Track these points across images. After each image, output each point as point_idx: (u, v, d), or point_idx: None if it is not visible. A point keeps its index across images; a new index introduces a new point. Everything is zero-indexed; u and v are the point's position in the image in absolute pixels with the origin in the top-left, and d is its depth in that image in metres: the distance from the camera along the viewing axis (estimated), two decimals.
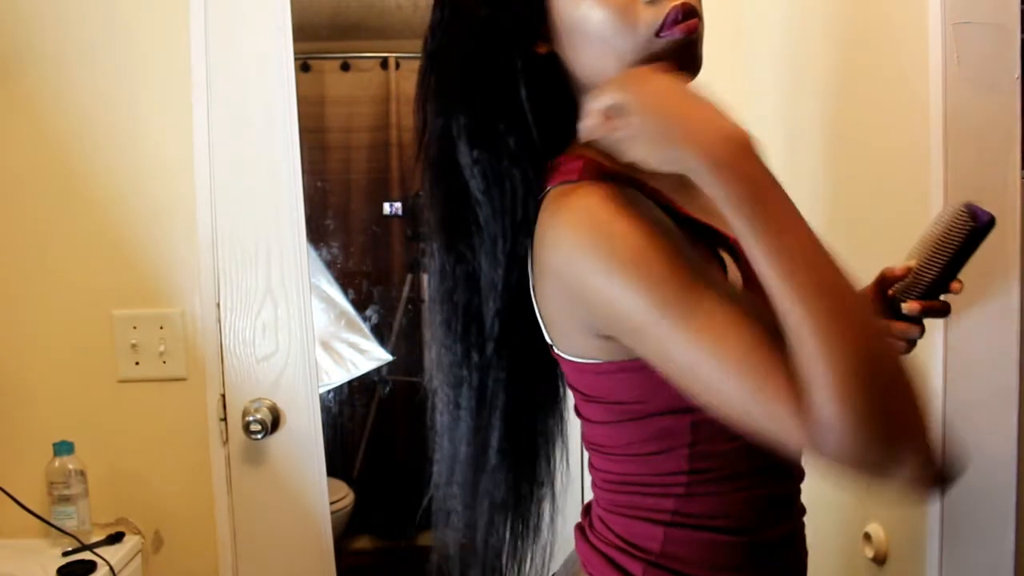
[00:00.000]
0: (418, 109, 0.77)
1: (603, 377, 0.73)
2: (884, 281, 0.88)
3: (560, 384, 0.88)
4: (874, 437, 0.54)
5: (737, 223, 0.58)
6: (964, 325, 0.84)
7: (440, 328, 0.79)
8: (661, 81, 0.63)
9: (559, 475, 0.89)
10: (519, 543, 0.87)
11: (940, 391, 1.43)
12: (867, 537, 1.52)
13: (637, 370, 0.69)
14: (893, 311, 0.85)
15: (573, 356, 0.74)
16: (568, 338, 0.74)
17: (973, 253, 0.81)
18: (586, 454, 0.83)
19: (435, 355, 0.81)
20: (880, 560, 1.51)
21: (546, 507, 0.88)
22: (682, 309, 0.61)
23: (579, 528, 0.84)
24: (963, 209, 0.79)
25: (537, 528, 0.88)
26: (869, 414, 0.53)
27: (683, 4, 0.68)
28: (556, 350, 0.76)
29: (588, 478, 0.83)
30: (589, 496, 0.84)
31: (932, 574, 1.44)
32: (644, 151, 0.61)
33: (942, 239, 0.81)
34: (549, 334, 0.76)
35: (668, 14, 0.68)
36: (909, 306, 0.83)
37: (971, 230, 0.79)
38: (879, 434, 0.54)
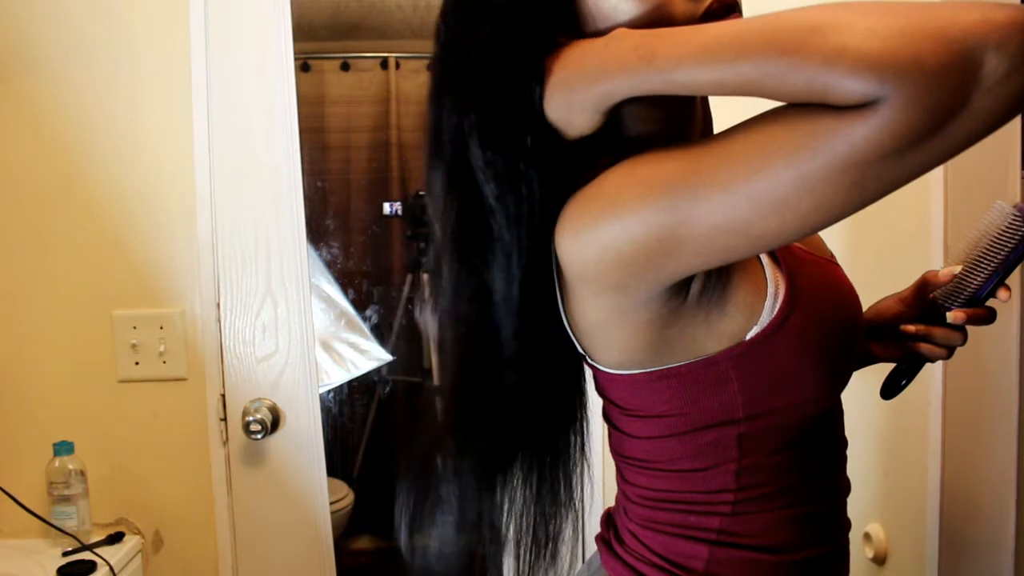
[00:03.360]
0: (432, 106, 0.70)
1: (642, 388, 0.70)
2: (926, 285, 0.84)
3: (581, 397, 0.82)
4: (932, 62, 0.45)
5: (661, 83, 0.56)
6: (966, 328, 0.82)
7: (454, 346, 0.72)
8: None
9: (579, 493, 0.84)
10: (542, 564, 0.83)
11: (940, 391, 1.43)
12: (867, 537, 1.52)
13: (677, 376, 0.67)
14: (934, 317, 0.82)
15: (611, 367, 0.70)
16: (609, 345, 0.69)
17: None
18: (608, 465, 0.80)
19: (450, 378, 0.74)
20: (880, 560, 1.51)
21: (568, 528, 0.83)
22: (704, 170, 0.55)
23: (603, 541, 0.81)
24: (1016, 212, 0.72)
25: (557, 550, 0.83)
26: (898, 49, 0.46)
27: None
28: (593, 363, 0.73)
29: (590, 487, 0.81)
30: (596, 507, 0.82)
31: (932, 574, 1.44)
32: (565, 115, 0.62)
33: (991, 244, 0.74)
34: (584, 346, 0.71)
35: (710, 6, 0.63)
36: (954, 315, 0.79)
37: None
38: (934, 52, 0.45)
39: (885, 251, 1.46)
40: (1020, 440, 1.28)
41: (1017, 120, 1.23)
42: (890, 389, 0.88)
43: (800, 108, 0.51)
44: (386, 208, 3.13)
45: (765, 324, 0.65)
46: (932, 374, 1.44)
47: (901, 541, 1.50)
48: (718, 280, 0.65)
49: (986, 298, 0.78)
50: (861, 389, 0.89)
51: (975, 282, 0.77)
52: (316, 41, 3.06)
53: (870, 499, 1.52)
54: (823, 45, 0.48)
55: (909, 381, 0.87)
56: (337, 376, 2.66)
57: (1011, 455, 1.29)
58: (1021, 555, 1.29)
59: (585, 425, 0.82)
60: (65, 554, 1.36)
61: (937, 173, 1.43)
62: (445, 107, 0.68)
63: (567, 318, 0.70)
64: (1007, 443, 1.29)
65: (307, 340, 1.49)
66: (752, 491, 0.70)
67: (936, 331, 0.82)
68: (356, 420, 3.20)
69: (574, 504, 0.82)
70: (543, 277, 0.68)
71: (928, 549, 1.45)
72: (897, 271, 0.88)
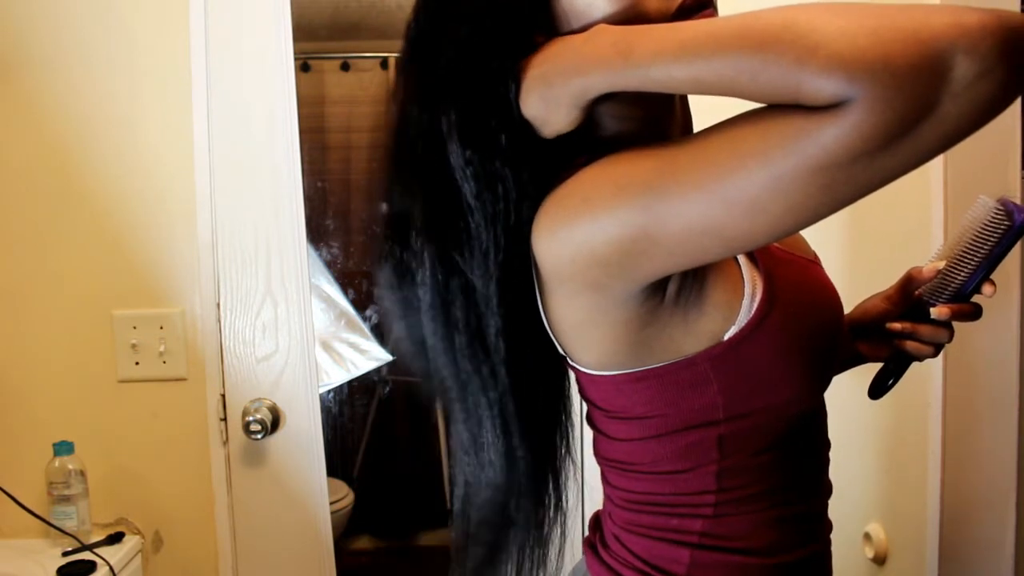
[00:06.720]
0: (397, 103, 0.70)
1: (623, 389, 0.70)
2: (910, 282, 0.84)
3: (565, 396, 0.81)
4: (902, 63, 0.45)
5: (638, 79, 0.56)
6: (964, 327, 0.82)
7: (442, 345, 0.71)
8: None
9: (565, 495, 0.83)
10: (531, 567, 0.82)
11: (940, 392, 1.43)
12: (867, 537, 1.53)
13: (656, 378, 0.67)
14: (920, 314, 0.81)
15: (591, 369, 0.70)
16: (588, 346, 0.69)
17: (1007, 253, 0.74)
18: (594, 468, 0.80)
19: (441, 375, 0.73)
20: (880, 560, 1.52)
21: (556, 531, 0.83)
22: (678, 170, 0.55)
23: (589, 544, 0.81)
24: (998, 206, 0.72)
25: (545, 553, 0.82)
26: (868, 49, 0.46)
27: None
28: (574, 364, 0.73)
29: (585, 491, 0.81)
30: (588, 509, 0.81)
31: (932, 574, 1.44)
32: (542, 112, 0.62)
33: (975, 239, 0.74)
34: (565, 347, 0.71)
35: (683, 3, 0.63)
36: (939, 310, 0.77)
37: (1007, 229, 0.72)
38: (903, 53, 0.45)
39: (885, 251, 1.46)
40: (1020, 440, 1.28)
41: (1017, 120, 1.23)
42: (878, 389, 0.87)
43: (775, 109, 0.51)
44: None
45: (743, 324, 0.65)
46: (932, 374, 1.44)
47: (901, 541, 1.50)
48: (695, 280, 0.65)
49: (971, 294, 0.78)
50: (859, 390, 0.89)
51: (959, 277, 0.77)
52: (316, 41, 3.06)
53: (870, 499, 1.52)
54: (795, 44, 0.48)
55: (896, 380, 0.86)
56: (337, 376, 2.66)
57: (1011, 455, 1.29)
58: (1021, 555, 1.29)
59: (570, 427, 0.82)
60: (65, 554, 1.36)
61: (937, 173, 1.43)
62: (419, 105, 0.67)
63: (547, 319, 0.70)
64: (1007, 443, 1.29)
65: (307, 340, 1.49)
66: (734, 493, 0.70)
67: (922, 328, 0.81)
68: (356, 420, 3.20)
69: (562, 506, 0.82)
70: (522, 278, 0.68)
71: (928, 549, 1.45)
72: (897, 271, 0.88)
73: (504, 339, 0.68)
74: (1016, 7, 1.26)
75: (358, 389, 3.18)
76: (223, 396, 1.48)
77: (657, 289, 0.64)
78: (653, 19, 0.63)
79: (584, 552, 0.82)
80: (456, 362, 0.71)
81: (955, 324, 0.80)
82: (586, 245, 0.60)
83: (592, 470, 1.40)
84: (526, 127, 0.65)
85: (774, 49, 0.48)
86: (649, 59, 0.55)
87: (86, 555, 1.35)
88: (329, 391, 2.88)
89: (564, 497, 0.82)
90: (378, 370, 2.98)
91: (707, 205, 0.53)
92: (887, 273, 0.91)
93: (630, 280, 0.61)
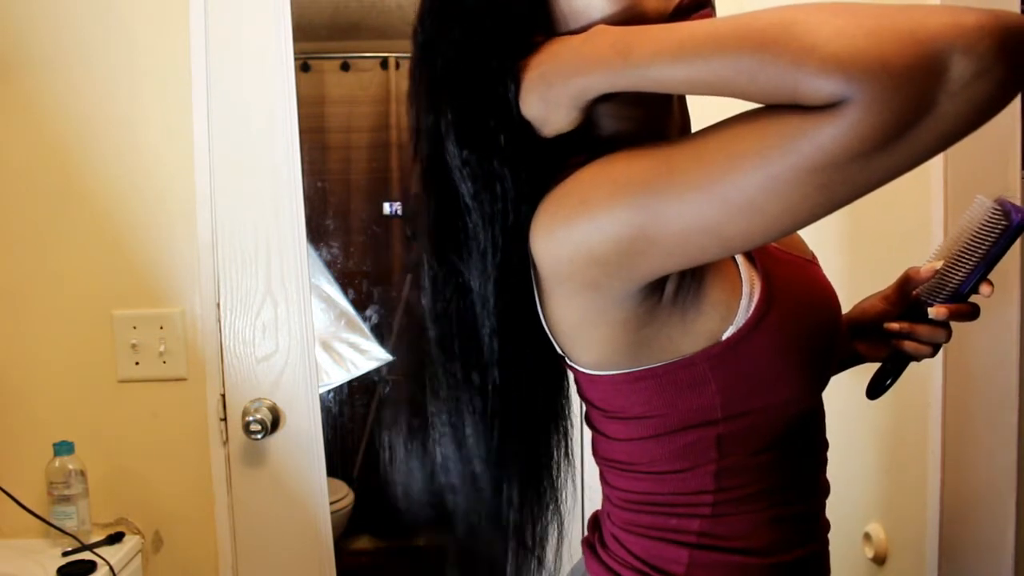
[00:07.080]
0: (411, 106, 0.71)
1: (621, 389, 0.70)
2: (908, 282, 0.84)
3: (563, 397, 0.82)
4: (900, 63, 0.45)
5: (637, 79, 0.56)
6: (964, 327, 0.82)
7: (436, 348, 0.72)
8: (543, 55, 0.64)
9: (563, 495, 0.83)
10: (529, 567, 0.82)
11: (940, 393, 1.43)
12: (867, 537, 1.53)
13: (654, 377, 0.67)
14: (918, 314, 0.81)
15: (590, 368, 0.70)
16: (587, 346, 0.69)
17: (1005, 253, 0.74)
18: (593, 468, 0.80)
19: (431, 379, 0.73)
20: (880, 560, 1.52)
21: (553, 531, 0.83)
22: (675, 170, 0.55)
23: (588, 544, 0.81)
24: (996, 206, 0.72)
25: (544, 553, 0.83)
26: (866, 47, 0.46)
27: None
28: (572, 364, 0.73)
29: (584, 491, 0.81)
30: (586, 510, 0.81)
31: (932, 574, 1.45)
32: (542, 112, 0.63)
33: (972, 238, 0.74)
34: (563, 347, 0.71)
35: (681, 2, 0.63)
36: (936, 310, 0.78)
37: (1004, 229, 0.72)
38: (900, 53, 0.45)
39: (884, 251, 1.46)
40: (1020, 440, 1.28)
41: (1017, 120, 1.24)
42: (875, 389, 0.87)
43: (773, 109, 0.51)
44: (386, 208, 3.13)
45: (741, 324, 0.66)
46: (932, 374, 1.44)
47: (901, 541, 1.50)
48: (693, 280, 0.65)
49: (969, 294, 0.78)
50: (858, 389, 0.89)
51: (957, 277, 0.77)
52: (316, 41, 3.06)
53: (870, 499, 1.52)
54: (792, 43, 0.48)
55: (894, 380, 0.86)
56: (337, 376, 2.66)
57: (1011, 455, 1.29)
58: (1021, 555, 1.29)
59: (568, 427, 0.82)
60: (65, 554, 1.36)
61: (937, 173, 1.43)
62: (423, 107, 0.68)
63: (546, 319, 0.70)
64: (1007, 443, 1.29)
65: (307, 340, 1.49)
66: (732, 492, 0.70)
67: (920, 328, 0.81)
68: (356, 420, 3.20)
69: (559, 507, 0.82)
70: (520, 277, 0.68)
71: (928, 549, 1.45)
72: (896, 271, 0.88)
73: (498, 340, 0.69)
74: (1016, 7, 1.27)
75: (358, 389, 3.18)
76: (223, 396, 1.48)
77: (655, 289, 0.64)
78: (651, 19, 0.63)
79: (583, 552, 0.83)
80: (448, 364, 0.71)
81: (954, 324, 0.81)
82: (584, 245, 0.60)
83: (591, 470, 1.40)
84: (525, 127, 0.65)
85: (772, 49, 0.48)
86: (648, 59, 0.55)
87: (86, 555, 1.35)
88: (329, 391, 2.88)
89: (562, 497, 0.82)
90: (378, 370, 2.98)
91: (705, 205, 0.54)
92: (886, 273, 0.91)
93: (628, 280, 0.61)
